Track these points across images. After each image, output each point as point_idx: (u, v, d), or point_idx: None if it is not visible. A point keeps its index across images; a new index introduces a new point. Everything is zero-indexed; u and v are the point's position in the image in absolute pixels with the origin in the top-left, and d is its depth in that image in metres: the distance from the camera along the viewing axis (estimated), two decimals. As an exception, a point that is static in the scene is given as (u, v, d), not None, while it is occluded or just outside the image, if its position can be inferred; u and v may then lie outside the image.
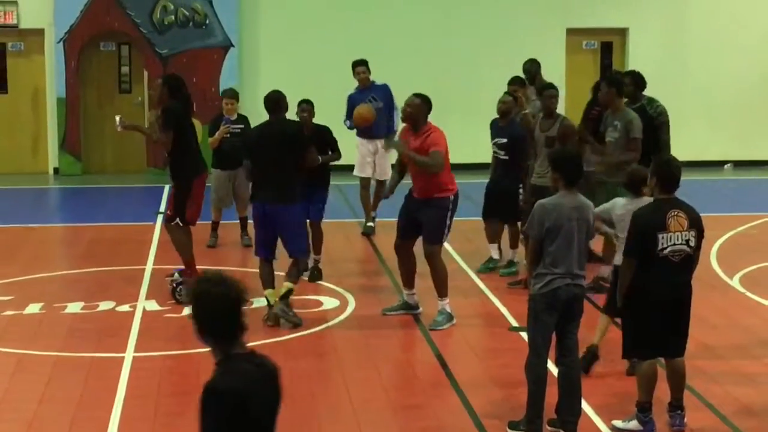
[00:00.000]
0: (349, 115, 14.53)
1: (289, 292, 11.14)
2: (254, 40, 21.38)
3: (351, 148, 14.94)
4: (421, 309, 11.54)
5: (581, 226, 8.15)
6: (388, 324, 11.25)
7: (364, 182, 15.41)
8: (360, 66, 15.43)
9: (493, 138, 13.25)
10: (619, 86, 12.26)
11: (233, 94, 14.74)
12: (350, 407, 8.99)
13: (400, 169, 11.70)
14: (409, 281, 11.54)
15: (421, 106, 11.03)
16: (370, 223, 15.45)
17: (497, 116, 13.28)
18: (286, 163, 11.12)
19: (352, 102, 14.92)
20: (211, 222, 14.56)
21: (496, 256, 13.39)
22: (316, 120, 12.75)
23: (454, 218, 11.20)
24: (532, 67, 15.13)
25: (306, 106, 12.76)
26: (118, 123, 12.07)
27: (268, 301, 11.22)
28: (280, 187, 11.05)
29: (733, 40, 22.31)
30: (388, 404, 9.12)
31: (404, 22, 21.46)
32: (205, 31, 21.11)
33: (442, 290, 11.25)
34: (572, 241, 8.10)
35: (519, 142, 12.98)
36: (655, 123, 12.78)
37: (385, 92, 15.38)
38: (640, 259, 8.17)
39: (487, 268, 13.35)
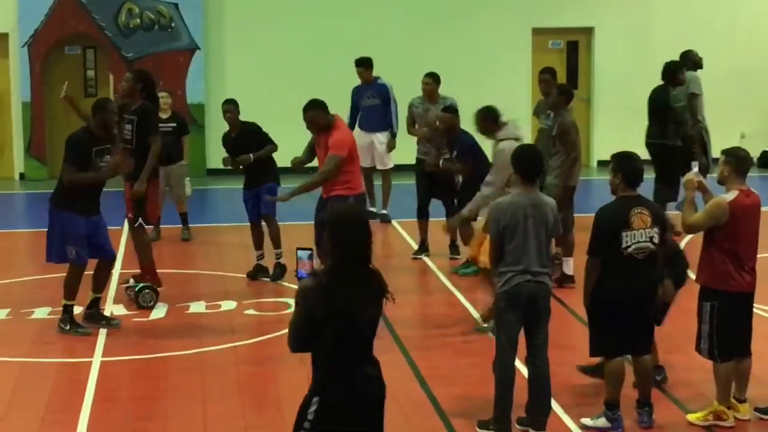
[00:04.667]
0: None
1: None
2: (220, 42, 21.33)
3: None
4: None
5: (538, 223, 8.16)
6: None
7: (365, 171, 15.13)
8: (359, 66, 16.23)
9: (449, 153, 13.25)
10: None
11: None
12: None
13: (309, 151, 11.76)
14: None
15: (314, 115, 11.12)
16: (382, 210, 16.44)
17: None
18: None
19: (354, 96, 16.30)
20: None
21: None
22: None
23: None
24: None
25: (229, 106, 12.66)
26: (64, 89, 12.25)
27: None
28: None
29: (697, 39, 22.39)
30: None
31: (369, 25, 21.40)
32: (171, 34, 21.05)
33: None
34: (529, 238, 8.12)
35: (471, 151, 12.94)
36: None
37: (381, 90, 16.22)
38: (604, 258, 8.21)
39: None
